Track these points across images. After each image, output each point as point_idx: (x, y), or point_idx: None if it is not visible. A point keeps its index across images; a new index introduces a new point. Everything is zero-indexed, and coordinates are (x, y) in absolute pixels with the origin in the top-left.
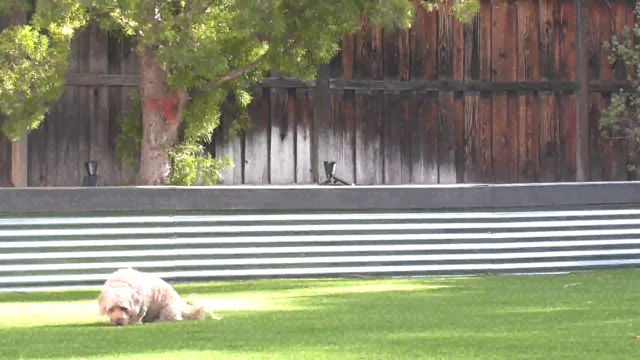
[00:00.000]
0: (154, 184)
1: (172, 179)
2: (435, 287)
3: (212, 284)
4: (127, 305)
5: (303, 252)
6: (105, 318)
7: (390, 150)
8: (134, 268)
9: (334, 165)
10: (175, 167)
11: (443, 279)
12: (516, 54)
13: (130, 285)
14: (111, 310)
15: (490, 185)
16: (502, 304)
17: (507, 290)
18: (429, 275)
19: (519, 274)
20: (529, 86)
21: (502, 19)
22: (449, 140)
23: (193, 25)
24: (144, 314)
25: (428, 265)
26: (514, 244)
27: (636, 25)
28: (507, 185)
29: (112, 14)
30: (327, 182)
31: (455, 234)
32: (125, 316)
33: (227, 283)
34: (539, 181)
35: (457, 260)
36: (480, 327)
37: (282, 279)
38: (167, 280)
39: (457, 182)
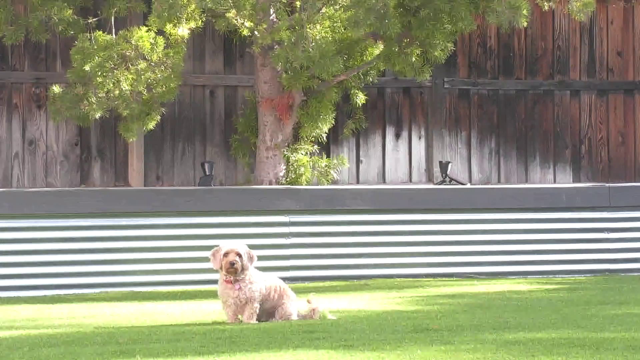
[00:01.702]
0: (269, 184)
1: (287, 179)
2: (551, 287)
3: (327, 283)
4: (242, 252)
5: (418, 252)
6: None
7: (505, 150)
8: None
9: (449, 164)
10: (290, 167)
11: (559, 279)
12: (633, 52)
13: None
14: (226, 254)
15: (608, 184)
16: (619, 304)
17: (624, 290)
18: (545, 276)
19: (636, 274)
20: None
21: (618, 17)
22: (565, 140)
23: (308, 26)
24: (257, 310)
25: (544, 265)
26: (631, 244)
27: None
28: (626, 184)
29: (227, 14)
30: (442, 182)
31: (572, 234)
32: (239, 261)
33: (343, 283)
34: None
35: (574, 260)
36: (597, 328)
37: (397, 279)
38: (283, 279)
39: (574, 182)
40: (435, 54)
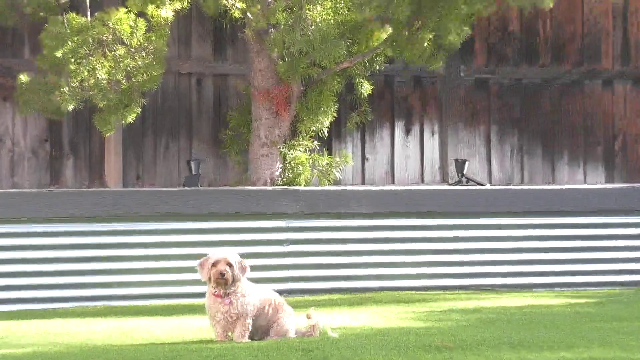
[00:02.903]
0: (264, 185)
1: (284, 179)
2: (580, 300)
3: (328, 296)
4: (233, 261)
5: (430, 262)
6: (210, 297)
7: (529, 147)
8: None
9: (466, 163)
10: (287, 165)
11: (589, 291)
12: None
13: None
14: (215, 264)
15: None
16: None
17: None
18: (573, 288)
19: None
20: None
21: None
22: (596, 135)
23: (307, 7)
24: (249, 327)
25: (572, 276)
26: None
27: None
28: None
29: None
30: (458, 182)
31: (603, 241)
32: (229, 271)
33: (346, 296)
34: None
35: (605, 270)
36: (630, 347)
37: (406, 291)
38: (279, 292)
39: (606, 182)
40: (450, 39)
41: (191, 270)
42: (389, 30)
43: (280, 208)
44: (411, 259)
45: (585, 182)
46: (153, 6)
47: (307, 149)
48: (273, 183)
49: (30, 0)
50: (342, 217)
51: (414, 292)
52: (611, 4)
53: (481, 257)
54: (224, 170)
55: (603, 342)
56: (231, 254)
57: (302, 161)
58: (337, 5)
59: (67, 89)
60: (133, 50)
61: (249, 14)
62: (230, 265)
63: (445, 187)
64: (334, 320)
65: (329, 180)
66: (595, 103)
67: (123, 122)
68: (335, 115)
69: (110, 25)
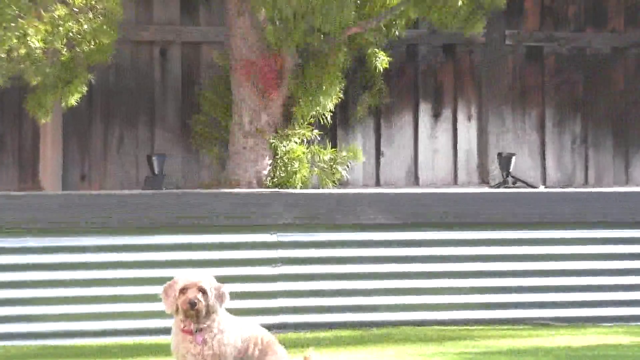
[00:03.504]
0: (248, 186)
1: (275, 179)
2: None
3: (332, 333)
4: (207, 287)
5: (466, 287)
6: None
7: (596, 136)
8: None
9: (513, 158)
10: (279, 161)
11: None
12: None
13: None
14: (184, 290)
15: None
16: None
17: None
18: None
19: None
20: None
21: None
22: None
23: None
24: None
25: None
26: None
27: None
28: None
29: None
30: (502, 184)
31: None
32: (202, 300)
33: (355, 332)
34: None
35: None
36: None
37: (433, 326)
38: (268, 327)
39: None
40: None
41: (154, 298)
42: None
43: (269, 217)
44: (441, 284)
45: None
46: None
47: (305, 140)
48: (260, 184)
49: None
50: (350, 229)
51: (444, 327)
52: None
53: (533, 281)
54: (196, 167)
55: None
56: (205, 277)
57: (298, 156)
58: None
59: None
60: (77, 10)
61: None
62: (203, 291)
63: (486, 190)
64: None
65: (333, 181)
66: None
67: (63, 105)
68: (342, 96)
69: None
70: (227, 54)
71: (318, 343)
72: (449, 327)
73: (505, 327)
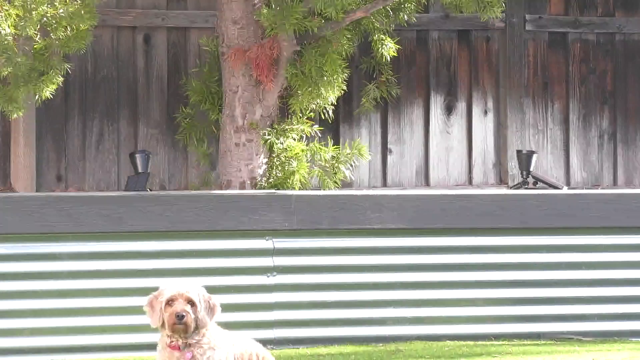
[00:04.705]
0: (240, 187)
1: (271, 179)
2: None
3: (335, 348)
4: (196, 298)
5: (483, 298)
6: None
7: (626, 132)
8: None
9: (534, 156)
10: (275, 160)
11: None
12: None
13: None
14: (170, 302)
15: None
16: None
17: None
18: None
19: None
20: None
21: None
22: None
23: None
24: None
25: None
26: None
27: None
28: None
29: None
30: (522, 184)
31: None
32: (191, 313)
33: (360, 347)
34: None
35: None
36: None
37: (448, 341)
38: (263, 343)
39: None
40: None
41: (137, 311)
42: None
43: (264, 222)
44: (458, 295)
45: None
46: None
47: (304, 137)
48: (254, 185)
49: None
50: (354, 234)
51: (459, 342)
52: None
53: (558, 291)
54: (183, 166)
55: None
56: (193, 287)
57: (296, 154)
58: None
59: None
60: None
61: None
62: (192, 303)
63: (504, 191)
64: None
65: (335, 182)
66: None
67: (37, 98)
68: (345, 88)
69: None
70: (218, 40)
71: None
72: (464, 343)
73: (526, 342)
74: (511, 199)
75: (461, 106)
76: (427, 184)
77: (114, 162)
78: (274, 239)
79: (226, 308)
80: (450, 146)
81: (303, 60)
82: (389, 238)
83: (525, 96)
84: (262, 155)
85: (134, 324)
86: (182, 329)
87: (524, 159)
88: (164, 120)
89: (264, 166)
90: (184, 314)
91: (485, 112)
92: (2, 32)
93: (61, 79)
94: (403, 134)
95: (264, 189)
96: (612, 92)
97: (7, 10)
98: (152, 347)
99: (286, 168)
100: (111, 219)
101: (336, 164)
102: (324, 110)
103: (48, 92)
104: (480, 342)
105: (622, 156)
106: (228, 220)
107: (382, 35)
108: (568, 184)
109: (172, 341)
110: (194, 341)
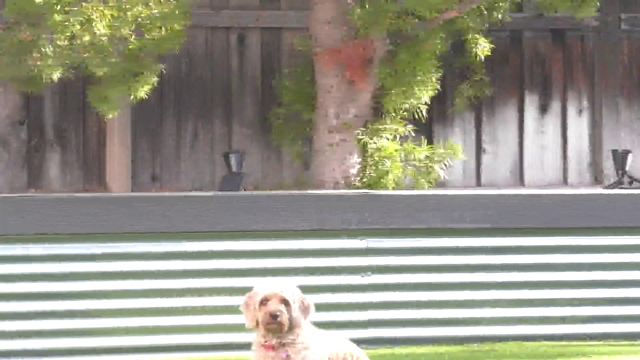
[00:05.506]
0: (334, 187)
1: (365, 179)
2: None
3: (429, 348)
4: (291, 298)
5: (581, 298)
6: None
7: None
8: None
9: (630, 155)
10: (368, 159)
11: None
12: None
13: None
14: (265, 301)
15: None
16: None
17: None
18: None
19: None
20: None
21: None
22: None
23: None
24: None
25: None
26: None
27: None
28: None
29: None
30: (617, 184)
31: None
32: (285, 312)
33: (454, 348)
34: None
35: None
36: None
37: (542, 342)
38: (357, 342)
39: None
40: None
41: (234, 310)
42: None
43: (358, 221)
44: (554, 295)
45: None
46: None
47: (397, 136)
48: (348, 185)
49: None
50: (449, 234)
51: (554, 342)
52: None
53: None
54: (277, 166)
55: None
56: (288, 287)
57: (390, 153)
58: None
59: (51, 49)
60: None
61: None
62: (286, 303)
63: (599, 191)
64: None
65: (429, 182)
66: None
67: (132, 98)
68: (438, 87)
69: None
70: (311, 40)
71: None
72: (559, 343)
73: (622, 343)
74: (606, 198)
75: (555, 106)
76: (522, 183)
77: (208, 161)
78: (368, 239)
79: (321, 308)
80: (544, 146)
81: (396, 60)
82: (484, 238)
83: (620, 95)
84: (356, 155)
85: (228, 323)
86: (276, 328)
87: (620, 158)
88: (258, 120)
89: (358, 166)
90: (278, 313)
91: (580, 112)
92: (97, 32)
93: (155, 79)
94: (497, 133)
95: (357, 188)
96: None
97: (102, 11)
98: (246, 346)
99: (380, 168)
100: (207, 219)
101: (430, 164)
102: (418, 110)
103: (142, 92)
104: (576, 343)
105: None
106: (324, 220)
107: (475, 35)
108: None
109: (267, 341)
110: (289, 341)
